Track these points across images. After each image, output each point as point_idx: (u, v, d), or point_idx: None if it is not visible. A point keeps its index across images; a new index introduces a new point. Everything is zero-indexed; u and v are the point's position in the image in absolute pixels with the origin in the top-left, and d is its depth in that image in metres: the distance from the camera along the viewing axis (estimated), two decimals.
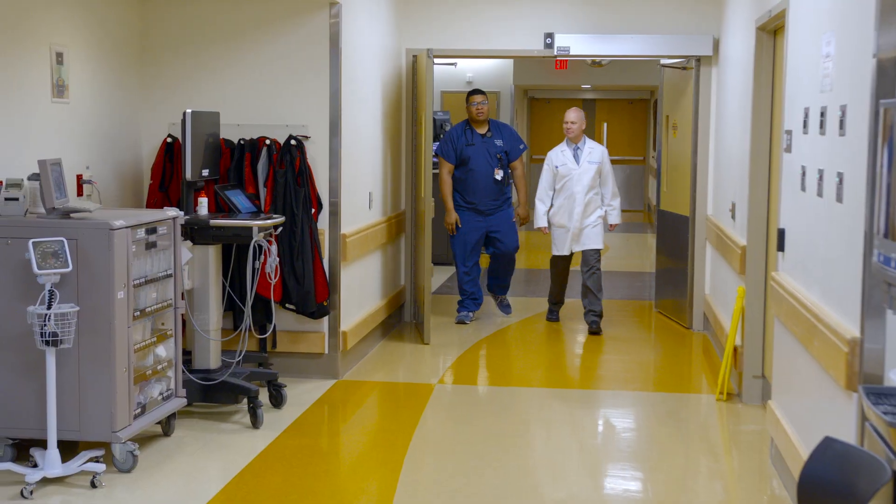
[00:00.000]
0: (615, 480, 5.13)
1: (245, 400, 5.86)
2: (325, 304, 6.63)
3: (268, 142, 6.50)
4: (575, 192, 8.45)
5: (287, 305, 6.57)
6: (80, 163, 5.89)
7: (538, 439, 5.82)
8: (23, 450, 5.00)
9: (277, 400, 6.12)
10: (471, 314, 8.87)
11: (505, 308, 9.18)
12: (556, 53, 8.57)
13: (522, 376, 7.34)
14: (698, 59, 8.53)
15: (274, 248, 6.00)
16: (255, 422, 5.73)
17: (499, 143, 8.72)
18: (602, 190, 8.56)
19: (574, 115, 8.57)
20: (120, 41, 6.44)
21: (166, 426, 5.51)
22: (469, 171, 8.68)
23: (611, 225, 8.65)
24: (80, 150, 5.91)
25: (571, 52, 8.59)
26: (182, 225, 5.57)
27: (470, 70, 15.14)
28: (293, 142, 6.47)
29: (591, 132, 19.79)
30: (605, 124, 19.75)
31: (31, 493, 4.58)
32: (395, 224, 8.36)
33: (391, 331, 8.17)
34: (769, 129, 6.23)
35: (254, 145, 6.51)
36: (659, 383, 7.34)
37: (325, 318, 6.71)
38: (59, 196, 4.94)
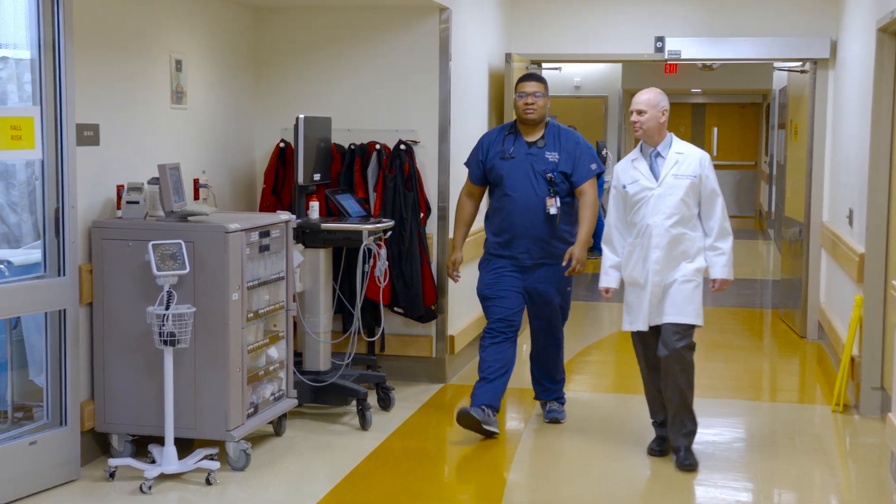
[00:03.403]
0: (726, 491, 5.02)
1: (354, 402, 5.92)
2: (433, 307, 6.66)
3: (378, 147, 6.56)
4: (651, 224, 5.21)
5: (395, 309, 6.62)
6: (197, 167, 6.04)
7: (646, 447, 5.74)
8: (141, 446, 5.15)
9: (386, 403, 6.17)
10: (487, 412, 5.64)
11: (552, 413, 6.02)
12: (666, 57, 8.46)
13: (630, 383, 7.25)
14: (815, 62, 8.32)
15: (383, 251, 6.05)
16: (364, 424, 5.78)
17: (552, 157, 5.72)
18: (704, 223, 5.27)
19: (645, 101, 5.25)
20: (235, 49, 6.59)
21: (278, 426, 5.60)
22: (504, 196, 5.78)
23: (713, 282, 5.27)
24: (196, 154, 6.06)
25: (683, 56, 8.47)
26: (294, 228, 5.66)
27: (577, 74, 15.08)
28: (403, 147, 6.53)
29: (701, 137, 19.49)
30: (716, 129, 19.42)
31: (150, 488, 4.71)
32: None
33: None
34: (890, 134, 6.04)
35: (364, 150, 6.59)
36: (771, 393, 7.19)
37: (433, 322, 6.75)
38: (177, 200, 5.07)
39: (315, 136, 6.13)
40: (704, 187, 5.24)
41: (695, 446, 5.41)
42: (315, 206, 6.10)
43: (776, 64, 9.51)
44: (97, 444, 5.17)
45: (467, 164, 6.01)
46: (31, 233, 5.42)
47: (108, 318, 5.05)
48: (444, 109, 6.68)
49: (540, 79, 5.84)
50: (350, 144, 6.61)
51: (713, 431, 6.00)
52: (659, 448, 5.45)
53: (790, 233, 9.12)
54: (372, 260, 6.02)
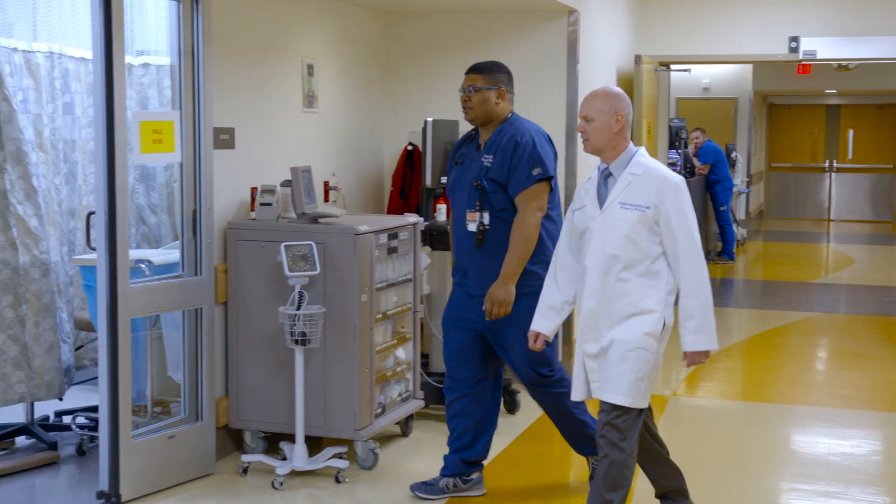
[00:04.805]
0: None
1: None
2: None
3: None
4: (587, 265, 3.95)
5: None
6: (327, 169, 6.15)
7: (778, 458, 5.59)
8: (273, 443, 5.27)
9: (511, 406, 6.16)
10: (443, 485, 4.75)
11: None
12: (801, 58, 8.26)
13: (760, 391, 7.08)
14: None
15: None
16: None
17: (486, 160, 4.54)
18: (674, 273, 3.88)
19: (592, 105, 3.97)
20: (364, 54, 6.68)
21: (405, 426, 5.65)
22: (453, 210, 4.77)
23: (685, 355, 3.89)
24: (327, 157, 6.17)
25: (818, 56, 8.25)
26: (422, 231, 5.71)
27: (706, 76, 14.81)
28: None
29: (836, 140, 18.90)
30: (851, 131, 18.82)
31: (281, 484, 4.81)
32: None
33: None
34: None
35: None
36: None
37: None
38: (308, 202, 5.17)
39: (442, 138, 6.17)
40: (667, 222, 3.84)
41: (830, 458, 5.22)
42: (442, 208, 6.14)
43: None
44: (231, 440, 5.30)
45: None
46: (169, 233, 5.61)
47: (242, 317, 5.18)
48: (571, 112, 6.64)
49: (480, 69, 4.70)
50: None
51: (849, 443, 5.81)
52: None
53: None
54: None
